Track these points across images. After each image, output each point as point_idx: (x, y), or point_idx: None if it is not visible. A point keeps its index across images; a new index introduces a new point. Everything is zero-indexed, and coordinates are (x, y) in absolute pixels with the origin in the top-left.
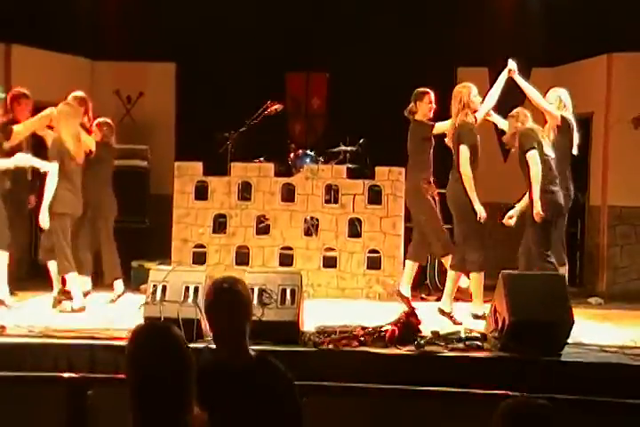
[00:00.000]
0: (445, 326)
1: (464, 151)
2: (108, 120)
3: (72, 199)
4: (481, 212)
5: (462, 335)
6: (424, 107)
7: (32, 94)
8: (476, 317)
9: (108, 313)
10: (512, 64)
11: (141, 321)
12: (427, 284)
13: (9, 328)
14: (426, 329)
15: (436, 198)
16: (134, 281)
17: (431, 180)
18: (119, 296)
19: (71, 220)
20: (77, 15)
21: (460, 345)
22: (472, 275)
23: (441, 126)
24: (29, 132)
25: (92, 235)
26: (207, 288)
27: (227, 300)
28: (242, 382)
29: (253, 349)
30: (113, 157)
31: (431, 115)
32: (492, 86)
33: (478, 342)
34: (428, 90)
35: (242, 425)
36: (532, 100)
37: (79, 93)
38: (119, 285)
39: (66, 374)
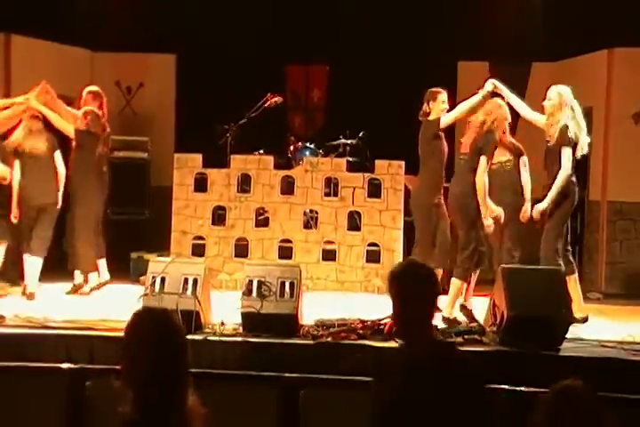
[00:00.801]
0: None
1: (484, 162)
2: (95, 109)
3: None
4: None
5: (461, 329)
6: (438, 107)
7: (32, 85)
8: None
9: (106, 304)
10: (490, 82)
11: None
12: None
13: (8, 319)
14: None
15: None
16: (133, 272)
17: (441, 197)
18: (92, 289)
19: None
20: (78, 6)
21: (459, 339)
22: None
23: (449, 118)
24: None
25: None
26: None
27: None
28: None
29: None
30: (96, 145)
31: (444, 114)
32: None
33: (477, 336)
34: (440, 89)
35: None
36: (517, 109)
37: (93, 88)
38: (92, 277)
39: (65, 365)
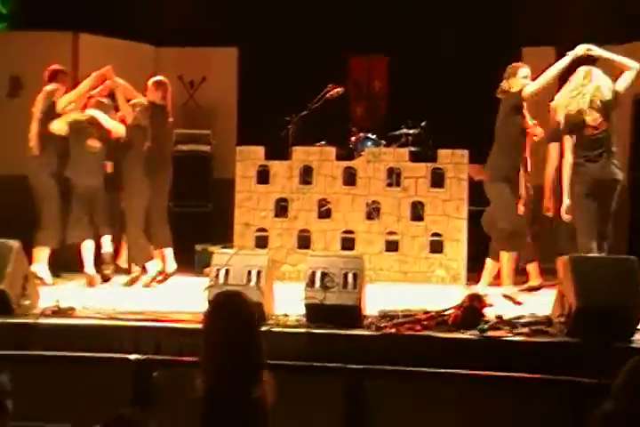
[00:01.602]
0: (510, 311)
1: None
2: (142, 100)
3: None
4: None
5: (527, 320)
6: (518, 83)
7: (100, 81)
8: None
9: (172, 296)
10: (582, 47)
11: (205, 304)
12: None
13: (78, 310)
14: (490, 314)
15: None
16: (198, 264)
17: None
18: (152, 279)
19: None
20: (141, 2)
21: (525, 330)
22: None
23: (535, 86)
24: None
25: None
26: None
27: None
28: None
29: None
30: (145, 138)
31: None
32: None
33: (544, 327)
34: (522, 64)
35: None
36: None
37: (158, 78)
38: (150, 267)
39: (132, 356)
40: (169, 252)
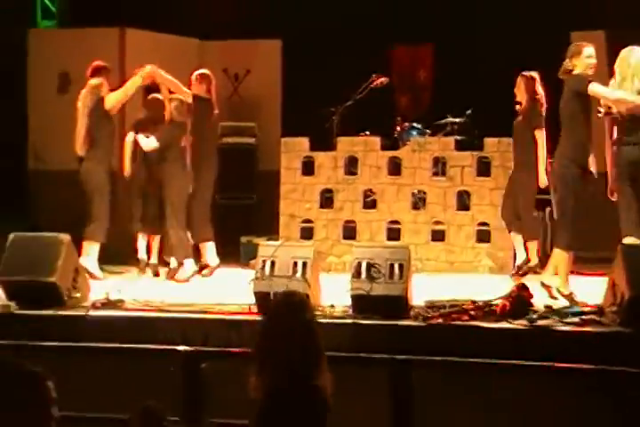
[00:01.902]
0: (559, 301)
1: None
2: (180, 96)
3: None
4: None
5: (578, 310)
6: (583, 62)
7: (147, 80)
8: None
9: (219, 288)
10: None
11: (251, 296)
12: (539, 256)
13: (127, 302)
14: (538, 303)
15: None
16: (244, 256)
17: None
18: (190, 276)
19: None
20: None
21: (576, 320)
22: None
23: (602, 90)
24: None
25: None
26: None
27: None
28: None
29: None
30: (182, 134)
31: (592, 72)
32: (611, 50)
33: (595, 317)
34: (586, 43)
35: None
36: None
37: (202, 70)
38: (188, 263)
39: (181, 348)
40: (210, 246)
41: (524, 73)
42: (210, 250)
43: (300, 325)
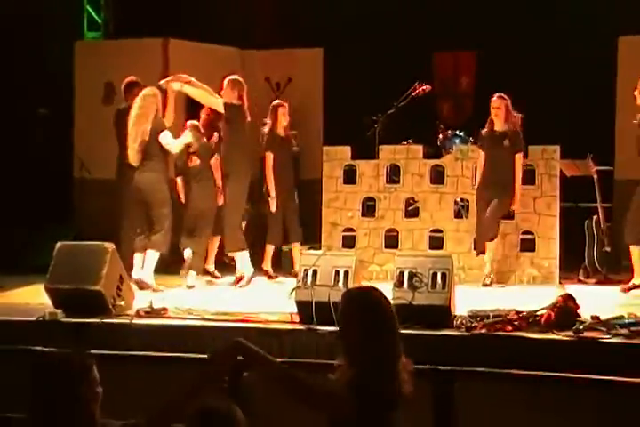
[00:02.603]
0: (606, 312)
1: None
2: (196, 122)
3: None
4: None
5: (626, 321)
6: None
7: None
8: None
9: (261, 297)
10: None
11: (293, 305)
12: (585, 266)
13: (170, 311)
14: (585, 314)
15: None
16: (285, 265)
17: None
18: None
19: None
20: (227, 6)
21: (624, 331)
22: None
23: None
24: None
25: None
26: None
27: None
28: None
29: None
30: (208, 155)
31: None
32: None
33: None
34: None
35: None
36: None
37: (233, 76)
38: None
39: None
40: (242, 255)
41: (502, 95)
42: (242, 259)
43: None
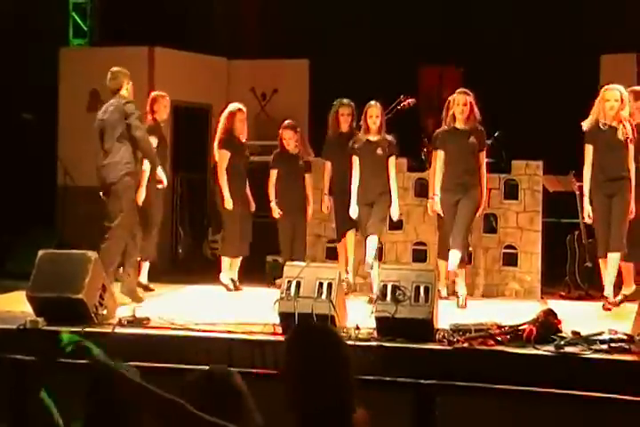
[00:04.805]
0: (587, 327)
1: None
2: None
3: None
4: None
5: (607, 337)
6: None
7: (173, 94)
8: None
9: (244, 308)
10: None
11: (276, 316)
12: (566, 281)
13: (153, 321)
14: (566, 329)
15: None
16: (269, 276)
17: None
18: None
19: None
20: (214, 17)
21: (604, 347)
22: None
23: None
24: None
25: None
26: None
27: None
28: None
29: None
30: None
31: None
32: None
33: (624, 345)
34: None
35: None
36: None
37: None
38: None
39: (205, 367)
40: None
41: (466, 90)
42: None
43: (326, 352)
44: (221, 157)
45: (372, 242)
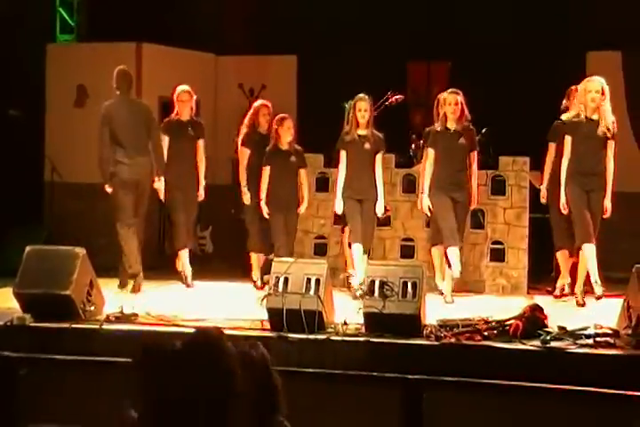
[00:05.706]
0: (573, 322)
1: None
2: None
3: None
4: None
5: (592, 331)
6: None
7: (161, 90)
8: None
9: (231, 304)
10: None
11: (264, 312)
12: (552, 276)
13: (140, 316)
14: (552, 324)
15: None
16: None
17: None
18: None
19: None
20: (202, 12)
21: (590, 342)
22: None
23: None
24: None
25: None
26: None
27: None
28: None
29: None
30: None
31: None
32: (626, 71)
33: (609, 339)
34: None
35: None
36: None
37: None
38: None
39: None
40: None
41: (456, 90)
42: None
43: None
44: (241, 154)
45: (358, 251)
